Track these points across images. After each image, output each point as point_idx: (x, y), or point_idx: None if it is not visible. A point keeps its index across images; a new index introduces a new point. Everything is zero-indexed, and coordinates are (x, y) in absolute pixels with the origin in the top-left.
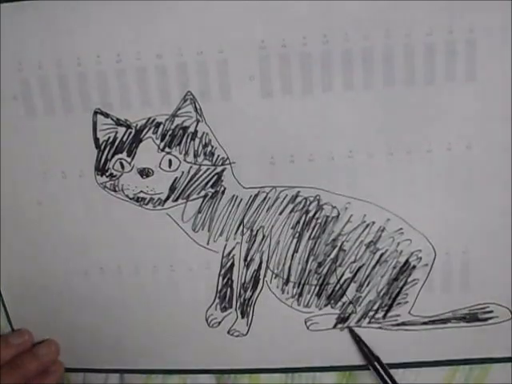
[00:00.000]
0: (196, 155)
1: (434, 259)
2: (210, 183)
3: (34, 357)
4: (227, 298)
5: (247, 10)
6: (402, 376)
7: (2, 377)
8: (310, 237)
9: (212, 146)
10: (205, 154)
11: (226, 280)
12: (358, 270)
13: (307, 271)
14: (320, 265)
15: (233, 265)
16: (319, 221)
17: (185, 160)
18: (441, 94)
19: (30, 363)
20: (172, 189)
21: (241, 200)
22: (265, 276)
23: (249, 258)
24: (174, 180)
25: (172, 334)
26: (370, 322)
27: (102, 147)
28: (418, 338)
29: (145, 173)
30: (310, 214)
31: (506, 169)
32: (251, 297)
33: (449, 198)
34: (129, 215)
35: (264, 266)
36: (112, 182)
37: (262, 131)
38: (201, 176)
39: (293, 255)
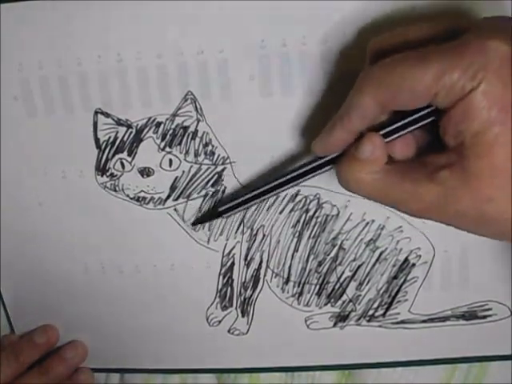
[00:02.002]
0: (196, 154)
1: (434, 257)
2: (211, 182)
3: (62, 360)
4: (227, 297)
5: (247, 10)
6: (402, 374)
7: (32, 382)
8: (310, 236)
9: (212, 146)
10: (205, 153)
11: (226, 279)
12: (358, 268)
13: (307, 270)
14: (320, 264)
15: (233, 264)
16: (319, 219)
17: (185, 159)
18: None
19: (58, 367)
20: (173, 188)
21: None
22: (265, 275)
23: (249, 257)
24: (175, 179)
25: (172, 333)
26: (369, 321)
27: (103, 147)
28: (418, 336)
29: (145, 172)
30: (310, 213)
31: None
32: (251, 296)
33: None
34: (129, 215)
35: (264, 265)
36: (112, 182)
37: (262, 131)
38: (201, 175)
39: (293, 254)
